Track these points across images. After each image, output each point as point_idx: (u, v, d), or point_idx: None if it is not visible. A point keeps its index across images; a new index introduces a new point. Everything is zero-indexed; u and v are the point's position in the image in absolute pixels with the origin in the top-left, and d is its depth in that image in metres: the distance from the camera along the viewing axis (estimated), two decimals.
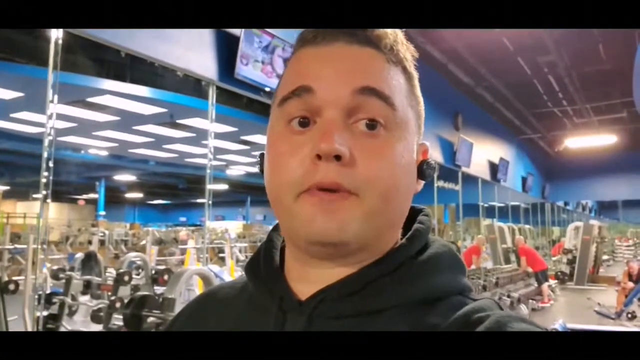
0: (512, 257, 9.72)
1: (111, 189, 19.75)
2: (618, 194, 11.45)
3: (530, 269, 8.61)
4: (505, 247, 10.09)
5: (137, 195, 24.02)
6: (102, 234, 11.73)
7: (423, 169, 0.51)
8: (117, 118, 7.13)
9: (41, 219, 2.72)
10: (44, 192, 2.49)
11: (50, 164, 2.51)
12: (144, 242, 10.81)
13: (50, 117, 2.57)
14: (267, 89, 3.70)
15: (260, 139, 8.68)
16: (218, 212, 26.60)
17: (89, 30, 2.56)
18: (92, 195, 20.67)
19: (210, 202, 3.47)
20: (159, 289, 3.56)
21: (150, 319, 2.46)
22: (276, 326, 0.48)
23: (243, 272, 0.57)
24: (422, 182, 0.52)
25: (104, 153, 11.07)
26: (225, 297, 0.57)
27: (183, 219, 27.38)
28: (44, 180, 2.51)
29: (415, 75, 0.52)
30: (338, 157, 0.43)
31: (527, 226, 12.16)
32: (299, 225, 0.45)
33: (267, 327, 0.48)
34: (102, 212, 18.83)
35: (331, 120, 0.45)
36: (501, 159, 9.03)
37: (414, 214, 0.53)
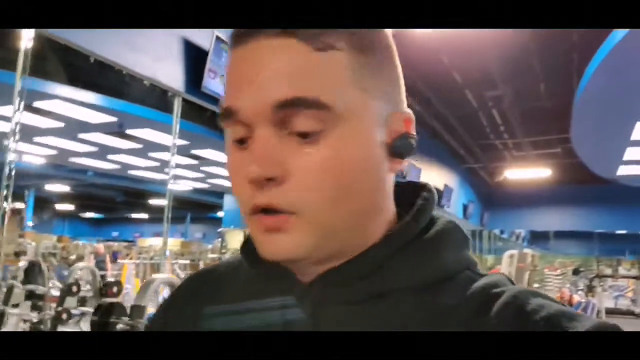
0: None
1: (41, 199, 18.76)
2: (550, 224, 12.12)
3: None
4: None
5: (69, 207, 22.91)
6: (29, 246, 11.10)
7: (397, 147, 0.45)
8: (62, 125, 6.83)
9: None
10: None
11: None
12: (73, 256, 10.33)
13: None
14: None
15: (211, 153, 8.56)
16: (156, 229, 25.83)
17: (58, 34, 2.48)
18: (20, 205, 19.52)
19: (169, 215, 3.39)
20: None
21: (119, 326, 2.38)
22: (281, 306, 0.46)
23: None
24: (403, 161, 0.46)
25: (39, 160, 10.54)
26: (225, 274, 0.56)
27: (115, 234, 26.34)
28: None
29: (370, 42, 0.44)
30: (271, 179, 0.41)
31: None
32: (257, 246, 0.45)
33: (270, 306, 0.47)
34: (30, 223, 17.83)
35: (260, 138, 0.42)
36: (446, 185, 9.37)
37: (415, 190, 0.50)
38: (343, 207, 0.43)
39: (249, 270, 0.51)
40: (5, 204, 2.31)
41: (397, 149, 0.45)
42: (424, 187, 0.50)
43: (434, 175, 9.01)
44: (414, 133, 0.46)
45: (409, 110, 0.47)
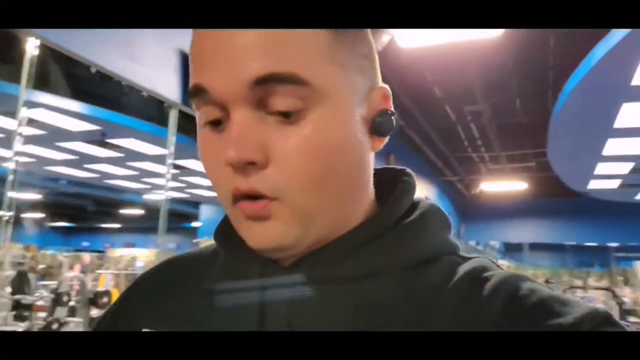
0: None
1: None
2: (524, 236, 12.40)
3: None
4: None
5: (38, 215, 22.34)
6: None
7: (377, 124, 0.44)
8: (43, 132, 6.74)
9: None
10: None
11: None
12: (42, 265, 10.09)
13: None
14: None
15: (194, 164, 8.53)
16: (128, 239, 25.32)
17: (56, 43, 2.49)
18: None
19: (165, 226, 3.39)
20: (96, 312, 3.39)
21: None
22: (260, 294, 0.43)
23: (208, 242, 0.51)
24: (384, 139, 0.45)
25: (12, 167, 10.28)
26: (195, 261, 0.53)
27: (86, 244, 25.72)
28: None
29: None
30: (252, 162, 0.39)
31: None
32: (241, 234, 0.43)
33: (249, 296, 0.44)
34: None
35: (237, 121, 0.39)
36: (425, 198, 9.51)
37: (393, 175, 0.49)
38: (327, 188, 0.41)
39: (224, 257, 0.49)
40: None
41: (378, 126, 0.44)
42: (402, 171, 0.50)
43: None
44: (392, 109, 0.45)
45: (386, 86, 0.46)
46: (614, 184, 9.91)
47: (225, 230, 0.48)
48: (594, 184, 8.86)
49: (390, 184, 0.48)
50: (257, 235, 0.41)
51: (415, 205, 0.47)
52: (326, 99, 0.41)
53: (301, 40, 0.40)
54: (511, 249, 19.07)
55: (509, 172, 9.66)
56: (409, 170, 0.50)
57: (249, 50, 0.39)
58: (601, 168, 7.72)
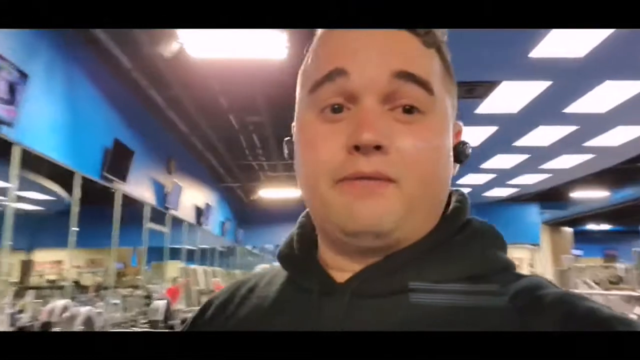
0: (204, 299, 10.01)
1: None
2: None
3: None
4: (199, 289, 10.46)
5: None
6: None
7: (459, 151, 0.49)
8: None
9: None
10: None
11: None
12: None
13: None
14: None
15: None
16: None
17: None
18: None
19: None
20: None
21: None
22: (317, 307, 0.46)
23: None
24: (457, 166, 0.50)
25: None
26: (256, 284, 0.56)
27: None
28: None
29: (449, 56, 0.50)
30: (378, 147, 0.42)
31: (219, 268, 12.89)
32: (337, 216, 0.44)
33: (307, 308, 0.47)
34: None
35: (369, 108, 0.43)
36: (206, 204, 9.55)
37: (448, 195, 0.51)
38: (432, 188, 0.45)
39: (287, 275, 0.53)
40: None
41: (458, 154, 0.50)
42: (456, 191, 0.52)
43: (195, 193, 9.10)
44: (468, 143, 0.51)
45: (461, 123, 0.52)
46: None
47: (288, 253, 0.52)
48: None
49: (446, 204, 0.50)
50: (367, 210, 0.42)
51: (467, 223, 0.49)
52: (438, 112, 0.46)
53: (430, 59, 0.47)
54: None
55: (286, 180, 10.31)
56: (461, 190, 0.53)
57: (395, 49, 0.44)
58: None
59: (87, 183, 5.14)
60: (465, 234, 0.48)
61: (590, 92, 5.29)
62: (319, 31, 0.49)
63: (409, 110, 0.44)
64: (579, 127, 6.56)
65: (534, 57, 4.46)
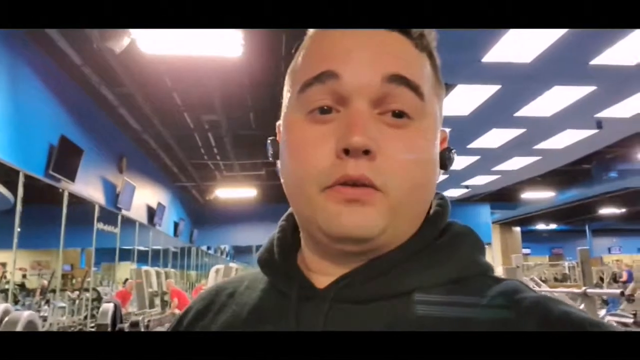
0: (157, 301, 9.84)
1: None
2: (253, 239, 13.16)
3: (178, 311, 9.02)
4: (152, 290, 10.22)
5: None
6: None
7: (445, 158, 0.49)
8: None
9: None
10: None
11: None
12: None
13: None
14: None
15: None
16: None
17: None
18: None
19: None
20: None
21: None
22: (296, 313, 0.46)
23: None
24: (441, 172, 0.50)
25: None
26: (235, 290, 0.55)
27: None
28: None
29: (438, 61, 0.49)
30: (366, 152, 0.41)
31: (172, 270, 12.64)
32: (323, 221, 0.43)
33: (286, 314, 0.46)
34: None
35: (359, 111, 0.42)
36: (159, 203, 9.33)
37: None
38: (418, 195, 0.45)
39: (267, 281, 0.52)
40: None
41: (444, 160, 0.49)
42: (436, 194, 0.52)
43: (147, 193, 8.88)
44: (453, 149, 0.51)
45: (447, 130, 0.52)
46: None
47: (267, 258, 0.52)
48: None
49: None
50: (352, 217, 0.42)
51: (449, 226, 0.50)
52: (428, 118, 0.46)
53: (422, 63, 0.47)
54: (240, 252, 20.09)
55: (242, 180, 10.21)
56: (441, 193, 0.52)
57: (388, 53, 0.44)
58: None
59: (32, 182, 4.92)
60: (448, 238, 0.48)
61: (540, 96, 5.49)
62: (311, 30, 0.49)
63: (399, 114, 0.44)
64: (526, 130, 6.80)
65: (486, 62, 4.58)
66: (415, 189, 0.44)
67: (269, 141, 0.52)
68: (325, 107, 0.44)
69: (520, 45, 4.31)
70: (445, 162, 0.49)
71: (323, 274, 0.47)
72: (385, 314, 0.43)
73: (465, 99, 5.58)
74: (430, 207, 0.50)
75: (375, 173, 0.42)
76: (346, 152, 0.42)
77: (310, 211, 0.45)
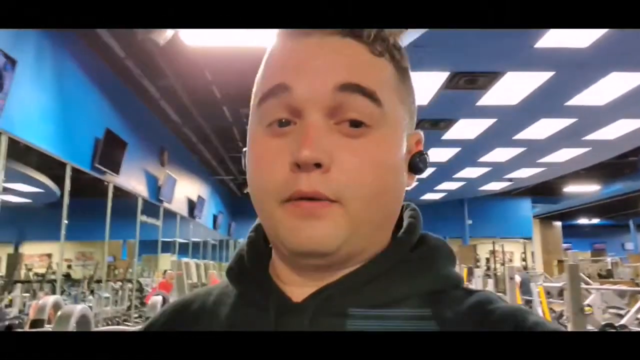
0: None
1: None
2: None
3: None
4: (191, 282, 10.38)
5: None
6: None
7: (415, 162, 0.48)
8: None
9: None
10: None
11: None
12: None
13: None
14: None
15: None
16: None
17: None
18: None
19: None
20: None
21: None
22: (275, 327, 0.45)
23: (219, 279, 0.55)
24: (415, 177, 0.49)
25: None
26: (203, 306, 0.52)
27: None
28: None
29: (405, 61, 0.49)
30: (319, 165, 0.41)
31: (211, 262, 12.81)
32: (283, 235, 0.43)
33: (264, 328, 0.45)
34: None
35: (311, 124, 0.42)
36: (199, 196, 9.42)
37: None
38: (378, 205, 0.44)
39: (237, 294, 0.50)
40: None
41: (415, 165, 0.48)
42: (407, 206, 0.52)
43: (187, 186, 8.97)
44: (425, 153, 0.50)
45: (421, 132, 0.51)
46: None
47: (238, 271, 0.50)
48: None
49: (398, 219, 0.50)
50: (309, 232, 0.42)
51: (422, 238, 0.49)
52: (388, 124, 0.44)
53: (380, 68, 0.45)
54: None
55: None
56: (412, 204, 0.52)
57: (339, 62, 0.43)
58: None
59: (78, 175, 4.99)
60: (423, 250, 0.48)
61: (595, 84, 5.22)
62: (271, 43, 0.48)
63: (356, 124, 0.43)
64: (577, 119, 6.51)
65: (539, 47, 4.37)
66: (374, 198, 0.43)
67: (242, 152, 0.51)
68: (283, 120, 0.44)
69: (576, 30, 4.08)
70: (416, 166, 0.49)
71: (296, 285, 0.47)
72: (365, 328, 0.44)
73: (514, 87, 5.35)
74: (402, 218, 0.50)
75: (328, 186, 0.42)
76: (298, 166, 0.41)
77: (271, 224, 0.45)
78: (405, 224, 0.49)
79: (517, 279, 5.29)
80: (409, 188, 0.49)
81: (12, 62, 3.46)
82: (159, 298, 4.50)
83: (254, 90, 0.49)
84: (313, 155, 0.41)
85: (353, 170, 0.42)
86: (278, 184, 0.43)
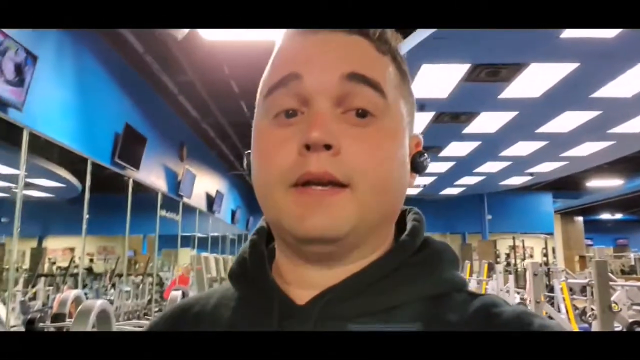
0: (216, 287, 10.00)
1: None
2: None
3: None
4: (210, 276, 10.45)
5: None
6: None
7: (417, 161, 0.50)
8: None
9: None
10: None
11: None
12: None
13: None
14: None
15: None
16: None
17: None
18: None
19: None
20: None
21: None
22: (279, 327, 0.45)
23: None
24: (416, 176, 0.51)
25: None
26: (203, 309, 0.52)
27: None
28: None
29: (405, 65, 0.51)
30: (328, 147, 0.42)
31: (230, 256, 12.89)
32: (290, 223, 0.43)
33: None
34: None
35: (320, 109, 0.43)
36: (217, 191, 9.46)
37: (401, 213, 0.52)
38: (385, 193, 0.45)
39: (240, 297, 0.50)
40: None
41: (417, 164, 0.50)
42: (410, 209, 0.53)
43: (206, 181, 9.01)
44: (425, 153, 0.51)
45: (420, 134, 0.52)
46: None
47: (241, 273, 0.50)
48: None
49: (400, 222, 0.51)
50: (315, 222, 0.42)
51: (426, 242, 0.49)
52: (392, 118, 0.46)
53: (384, 65, 0.47)
54: None
55: None
56: (415, 208, 0.53)
57: (347, 55, 0.45)
58: None
59: (98, 170, 5.03)
60: (426, 254, 0.48)
61: (622, 75, 5.07)
62: (278, 41, 0.50)
63: (362, 114, 0.44)
64: (602, 112, 6.35)
65: (565, 38, 4.26)
66: (381, 186, 0.44)
67: (245, 154, 0.52)
68: (290, 111, 0.45)
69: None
70: (418, 165, 0.50)
71: (300, 286, 0.47)
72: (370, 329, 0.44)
73: (537, 79, 5.24)
74: (406, 222, 0.51)
75: (337, 167, 0.42)
76: (307, 147, 0.42)
77: (277, 213, 0.45)
78: (408, 227, 0.50)
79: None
80: (410, 188, 0.50)
81: (33, 57, 3.48)
82: (179, 293, 4.52)
83: (259, 88, 0.49)
84: (323, 135, 0.41)
85: (362, 154, 0.43)
86: (285, 169, 0.43)
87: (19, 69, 3.30)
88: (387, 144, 0.45)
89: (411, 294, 0.45)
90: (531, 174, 10.85)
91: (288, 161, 0.43)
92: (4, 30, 3.10)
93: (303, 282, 0.47)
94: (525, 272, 5.77)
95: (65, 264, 10.31)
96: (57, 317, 2.79)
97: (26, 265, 10.40)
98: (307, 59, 0.45)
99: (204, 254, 10.48)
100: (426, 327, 0.43)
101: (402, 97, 0.48)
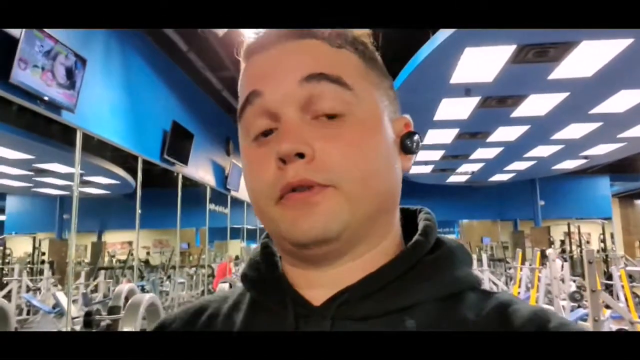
0: None
1: None
2: None
3: None
4: None
5: None
6: None
7: (405, 143, 0.49)
8: None
9: None
10: None
11: None
12: None
13: None
14: (46, 98, 3.26)
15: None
16: None
17: None
18: None
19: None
20: None
21: None
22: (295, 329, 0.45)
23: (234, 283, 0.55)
24: (412, 157, 0.50)
25: None
26: (217, 312, 0.52)
27: None
28: None
29: (371, 52, 0.50)
30: (301, 155, 0.42)
31: None
32: (285, 230, 0.44)
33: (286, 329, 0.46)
34: None
35: (287, 120, 0.44)
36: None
37: (411, 213, 0.53)
38: (372, 186, 0.44)
39: (253, 300, 0.50)
40: None
41: (407, 144, 0.49)
42: (421, 209, 0.53)
43: None
44: (414, 133, 0.50)
45: (408, 116, 0.52)
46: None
47: (254, 275, 0.50)
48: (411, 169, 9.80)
49: (411, 222, 0.51)
50: (306, 224, 0.42)
51: (439, 241, 0.50)
52: (363, 107, 0.45)
53: (344, 58, 0.47)
54: None
55: None
56: (426, 208, 0.53)
57: (302, 59, 0.45)
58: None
59: (149, 167, 5.21)
60: (439, 253, 0.48)
61: None
62: (241, 63, 0.50)
63: (332, 116, 0.44)
64: None
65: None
66: (367, 179, 0.44)
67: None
68: (266, 131, 0.45)
69: None
70: (406, 146, 0.49)
71: (311, 287, 0.47)
72: (389, 329, 0.44)
73: (589, 58, 4.99)
74: (417, 222, 0.51)
75: (314, 173, 0.42)
76: (283, 161, 0.43)
77: (271, 224, 0.46)
78: (420, 226, 0.50)
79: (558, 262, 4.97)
80: (408, 171, 0.50)
81: (82, 61, 3.63)
82: (226, 285, 4.63)
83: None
84: (293, 146, 0.42)
85: (337, 155, 0.43)
86: (268, 185, 0.44)
87: (69, 73, 3.45)
88: (362, 136, 0.44)
89: (427, 293, 0.45)
90: (586, 157, 10.37)
91: (270, 177, 0.43)
92: (55, 36, 3.25)
93: (313, 284, 0.47)
94: (582, 259, 5.55)
95: (123, 257, 10.79)
96: (112, 310, 2.93)
97: (88, 259, 10.95)
98: (264, 74, 0.46)
99: (253, 246, 10.68)
100: (442, 326, 0.43)
101: (372, 85, 0.48)
